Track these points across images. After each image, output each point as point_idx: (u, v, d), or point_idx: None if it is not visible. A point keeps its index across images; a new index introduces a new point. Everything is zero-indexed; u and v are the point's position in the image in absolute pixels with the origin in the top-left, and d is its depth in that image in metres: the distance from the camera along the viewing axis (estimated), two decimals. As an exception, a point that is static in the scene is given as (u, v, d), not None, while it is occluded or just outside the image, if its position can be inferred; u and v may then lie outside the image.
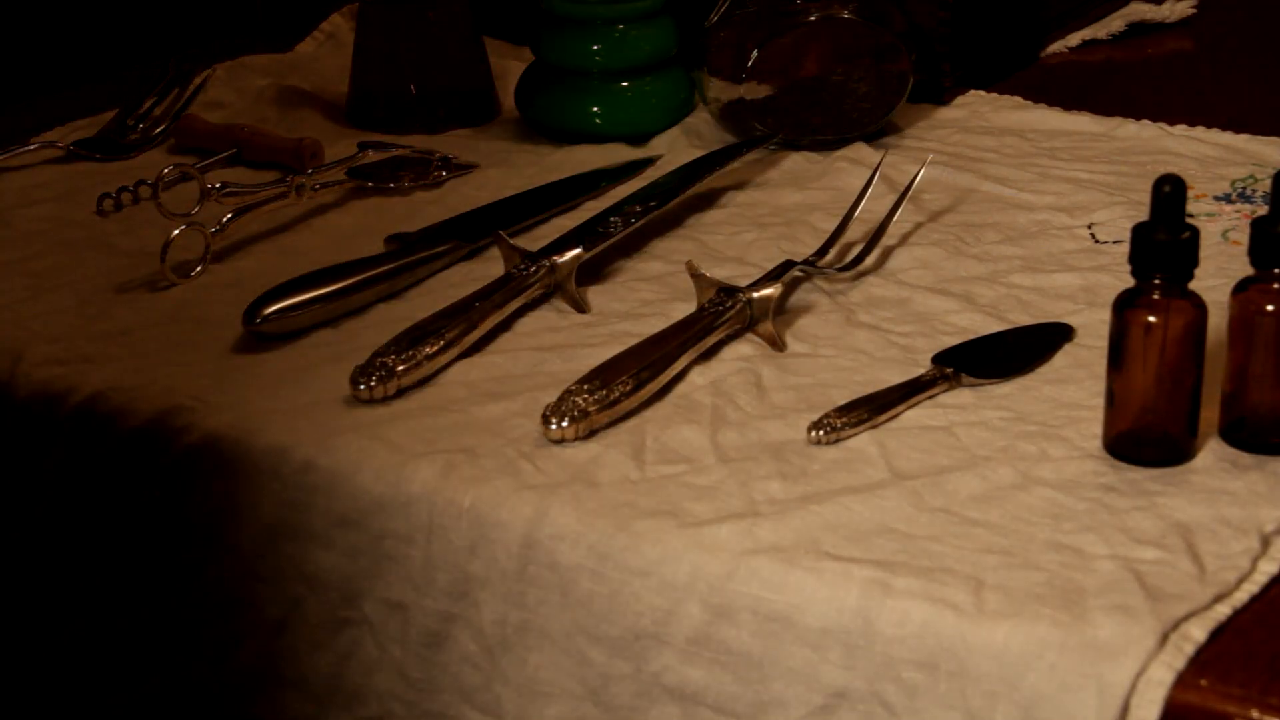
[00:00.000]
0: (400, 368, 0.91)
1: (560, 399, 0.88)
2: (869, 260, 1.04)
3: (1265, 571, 0.77)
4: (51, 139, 1.22)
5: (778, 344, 0.95)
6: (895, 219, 1.06)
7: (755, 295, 0.96)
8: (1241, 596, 0.76)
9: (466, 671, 0.84)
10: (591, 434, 0.87)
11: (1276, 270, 0.84)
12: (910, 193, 1.07)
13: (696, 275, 0.96)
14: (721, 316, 0.94)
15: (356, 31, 1.28)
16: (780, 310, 0.97)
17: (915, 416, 0.89)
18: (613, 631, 0.81)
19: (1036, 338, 0.96)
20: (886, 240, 1.06)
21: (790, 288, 1.00)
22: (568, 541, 0.82)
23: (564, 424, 0.87)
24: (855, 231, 1.06)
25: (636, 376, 0.89)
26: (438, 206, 1.13)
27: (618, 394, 0.88)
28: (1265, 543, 0.79)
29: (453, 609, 0.84)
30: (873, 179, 1.08)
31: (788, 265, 1.00)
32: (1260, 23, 1.46)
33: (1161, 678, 0.71)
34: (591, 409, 0.87)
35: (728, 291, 0.96)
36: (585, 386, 0.88)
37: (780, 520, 0.81)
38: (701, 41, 1.21)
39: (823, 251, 1.04)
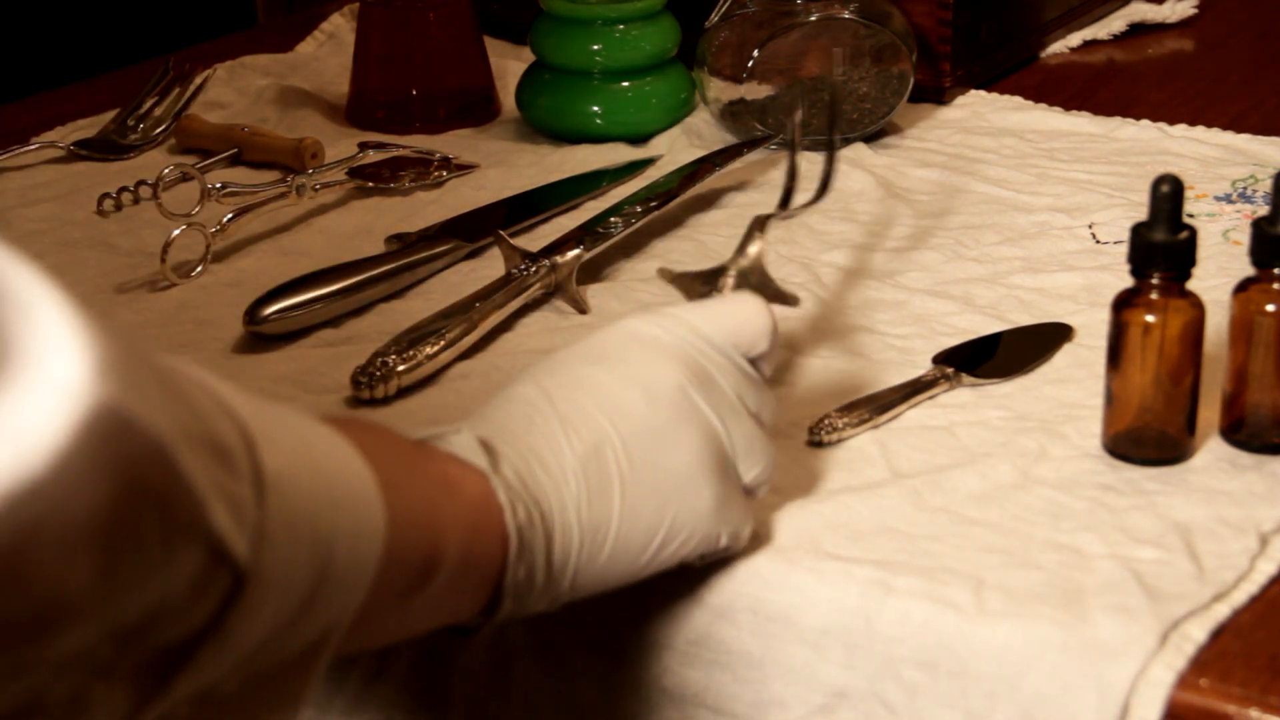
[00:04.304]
0: (400, 367, 0.91)
1: None
2: (869, 262, 1.04)
3: (1264, 571, 0.77)
4: (52, 139, 1.23)
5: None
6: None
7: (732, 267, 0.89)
8: (1240, 596, 0.76)
9: (469, 685, 0.84)
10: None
11: (1276, 270, 0.84)
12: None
13: (675, 279, 0.89)
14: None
15: (356, 31, 1.28)
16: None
17: (916, 416, 0.89)
18: (612, 638, 0.81)
19: (1036, 337, 0.96)
20: (886, 242, 1.06)
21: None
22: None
23: None
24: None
25: None
26: (438, 206, 1.13)
27: None
28: (1263, 542, 0.79)
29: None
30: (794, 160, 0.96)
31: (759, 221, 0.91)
32: (1260, 23, 1.46)
33: (1162, 678, 0.71)
34: None
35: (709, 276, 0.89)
36: None
37: (780, 520, 0.81)
38: (701, 41, 1.21)
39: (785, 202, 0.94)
